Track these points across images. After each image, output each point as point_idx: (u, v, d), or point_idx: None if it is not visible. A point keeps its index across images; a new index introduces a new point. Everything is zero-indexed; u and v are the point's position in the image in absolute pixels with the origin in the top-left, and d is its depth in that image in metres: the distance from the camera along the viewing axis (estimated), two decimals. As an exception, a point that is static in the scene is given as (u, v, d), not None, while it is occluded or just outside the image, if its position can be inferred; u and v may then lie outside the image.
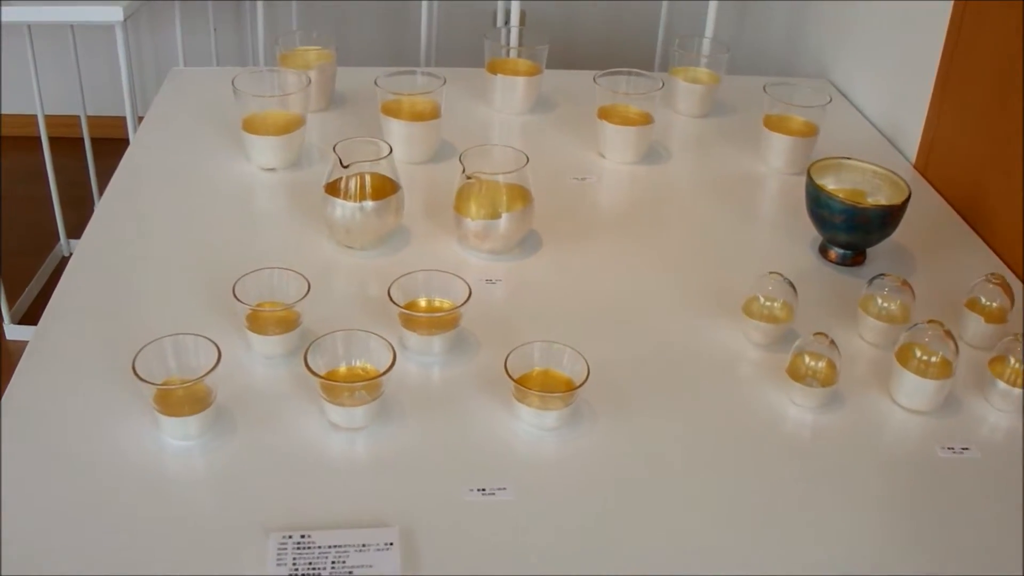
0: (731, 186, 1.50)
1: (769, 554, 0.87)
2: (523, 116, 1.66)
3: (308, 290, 1.05)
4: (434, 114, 1.46)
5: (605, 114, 1.53)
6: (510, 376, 0.96)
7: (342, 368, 0.99)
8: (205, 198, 1.37)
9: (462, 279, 1.09)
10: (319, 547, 0.83)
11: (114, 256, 1.22)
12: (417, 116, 1.46)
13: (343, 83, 1.69)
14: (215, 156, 1.47)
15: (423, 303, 1.09)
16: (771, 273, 1.16)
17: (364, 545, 0.84)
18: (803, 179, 1.33)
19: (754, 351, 1.14)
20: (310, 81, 1.45)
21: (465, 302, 1.05)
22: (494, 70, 1.64)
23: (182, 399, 0.93)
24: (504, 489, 0.91)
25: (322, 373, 0.95)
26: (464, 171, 1.21)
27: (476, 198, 1.22)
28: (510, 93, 1.64)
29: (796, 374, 1.06)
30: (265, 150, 1.40)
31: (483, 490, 0.91)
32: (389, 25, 2.90)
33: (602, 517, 0.90)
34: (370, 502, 0.89)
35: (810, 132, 1.54)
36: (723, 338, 1.15)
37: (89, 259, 1.21)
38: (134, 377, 0.90)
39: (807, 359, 1.07)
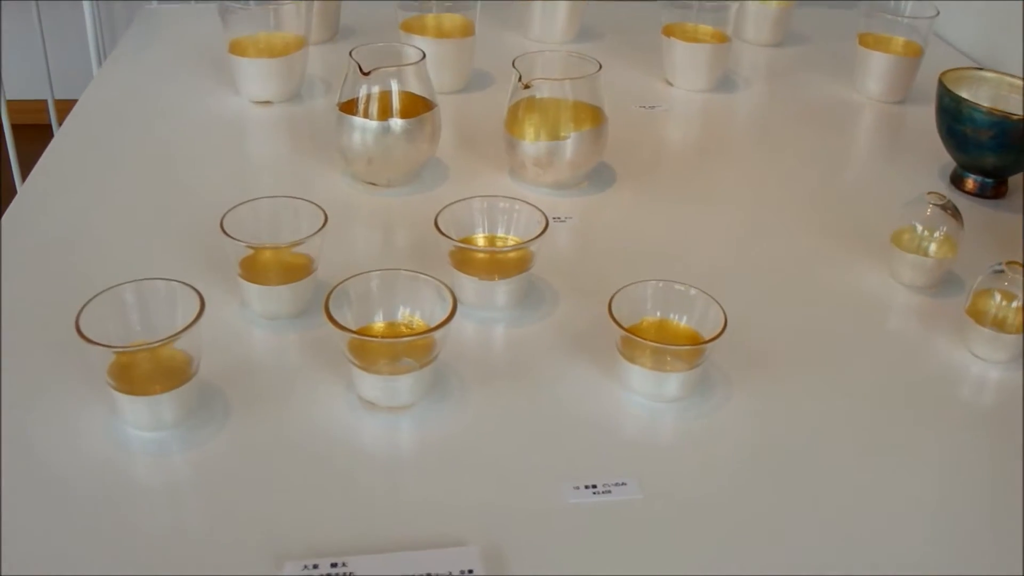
0: (825, 116, 1.23)
1: (957, 552, 0.60)
2: (566, 46, 1.38)
3: (325, 222, 0.77)
4: (467, 32, 1.18)
5: (671, 33, 1.25)
6: (617, 323, 0.68)
7: (378, 324, 0.70)
8: (184, 137, 1.08)
9: (534, 207, 0.81)
10: (360, 580, 0.55)
11: (66, 202, 0.94)
12: (445, 35, 1.18)
13: (348, 18, 1.41)
14: (196, 90, 1.18)
15: (481, 240, 0.81)
16: (930, 194, 0.88)
17: (431, 575, 0.56)
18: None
19: (906, 295, 0.87)
20: (313, -7, 1.17)
21: (540, 234, 0.77)
22: (531, -8, 1.37)
23: (150, 371, 0.65)
24: (624, 485, 0.63)
25: (352, 328, 0.67)
26: (520, 79, 0.93)
27: (536, 114, 0.94)
28: (550, 18, 1.37)
29: (980, 318, 0.79)
30: (258, 78, 1.12)
31: (594, 487, 0.63)
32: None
33: (762, 515, 0.62)
34: (432, 512, 0.61)
35: (914, 53, 1.27)
36: (864, 281, 0.88)
37: (32, 208, 0.93)
38: (79, 339, 0.62)
39: (998, 298, 0.80)
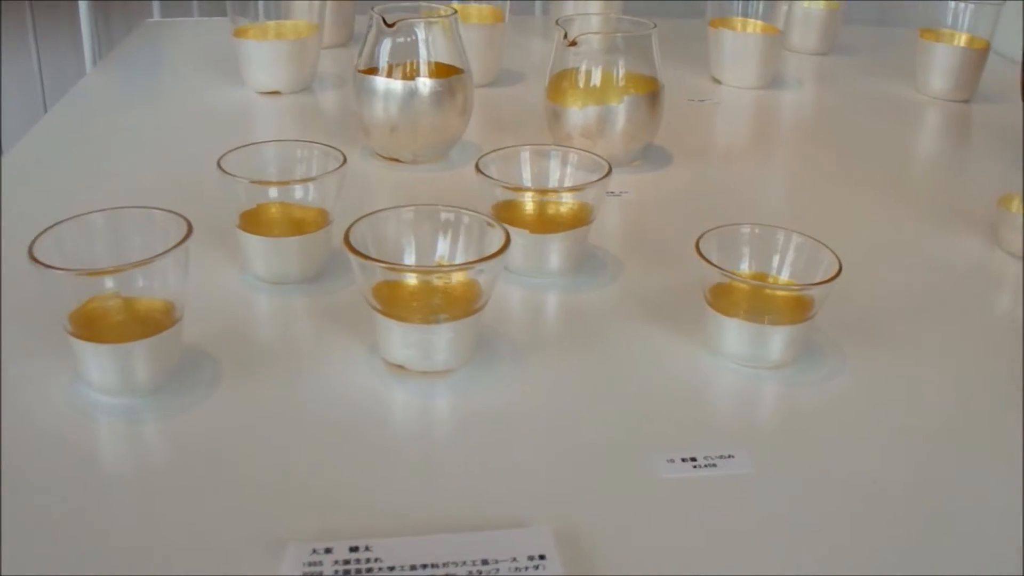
0: (889, 113, 1.11)
1: None
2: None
3: (343, 163, 0.64)
4: (497, 18, 1.08)
5: (719, 26, 1.15)
6: (708, 261, 0.54)
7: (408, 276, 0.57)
8: (181, 125, 0.96)
9: (593, 154, 0.68)
10: (390, 568, 0.40)
11: (50, 178, 0.81)
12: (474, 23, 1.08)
13: (363, 24, 1.31)
14: (197, 83, 1.07)
15: (528, 195, 0.68)
16: (1045, 153, 0.76)
17: (488, 562, 0.41)
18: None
19: (1018, 268, 0.73)
20: (328, -22, 1.07)
21: (603, 177, 0.64)
22: (560, -7, 1.28)
23: (121, 322, 0.51)
24: (731, 458, 0.48)
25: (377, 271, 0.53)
26: (566, 36, 0.82)
27: (583, 80, 0.82)
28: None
29: None
30: (266, 64, 1.01)
31: (693, 460, 0.48)
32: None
33: (895, 496, 0.47)
34: (483, 490, 0.46)
35: (980, 45, 1.16)
36: (968, 255, 0.75)
37: (11, 180, 0.80)
38: (34, 266, 0.48)
39: None
